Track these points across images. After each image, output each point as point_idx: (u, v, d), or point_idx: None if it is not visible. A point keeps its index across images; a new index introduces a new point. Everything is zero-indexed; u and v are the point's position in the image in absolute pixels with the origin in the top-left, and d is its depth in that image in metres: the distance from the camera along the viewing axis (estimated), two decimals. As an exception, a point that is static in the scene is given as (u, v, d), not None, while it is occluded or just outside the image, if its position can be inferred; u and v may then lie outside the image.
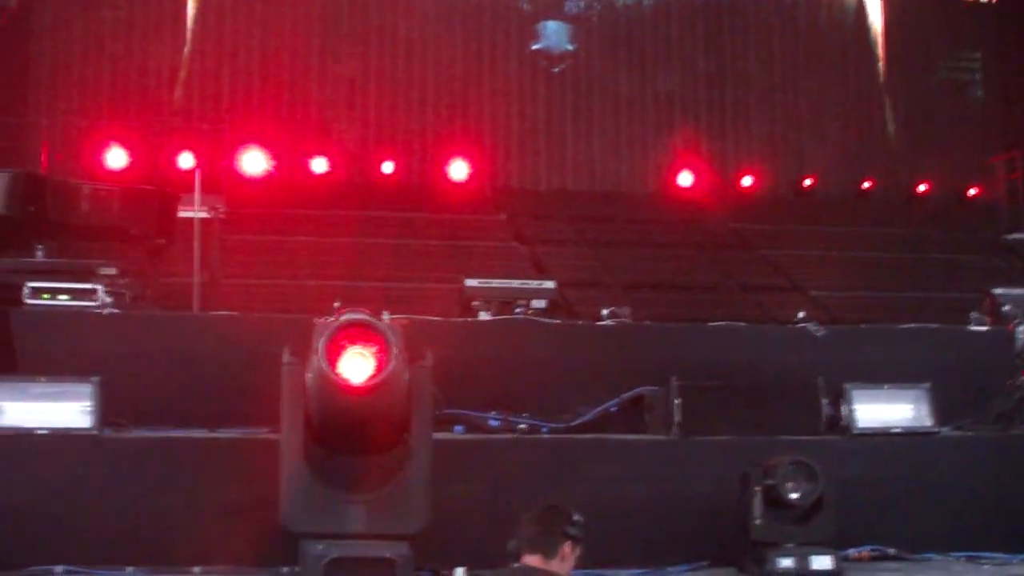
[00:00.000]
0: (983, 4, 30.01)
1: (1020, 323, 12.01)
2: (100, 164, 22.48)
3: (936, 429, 10.20)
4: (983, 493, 9.82)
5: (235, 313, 12.08)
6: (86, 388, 8.63)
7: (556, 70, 26.87)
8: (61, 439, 8.51)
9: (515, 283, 11.87)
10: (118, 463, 8.58)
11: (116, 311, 10.48)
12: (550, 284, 11.98)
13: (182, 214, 17.07)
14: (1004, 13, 29.48)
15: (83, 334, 10.03)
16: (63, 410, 8.59)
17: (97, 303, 10.54)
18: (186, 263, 17.03)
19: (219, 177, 21.61)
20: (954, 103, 28.71)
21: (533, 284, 12.03)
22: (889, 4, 28.50)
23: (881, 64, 28.47)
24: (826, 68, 28.36)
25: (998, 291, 12.80)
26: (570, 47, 27.04)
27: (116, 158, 22.57)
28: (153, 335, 10.25)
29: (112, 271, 12.83)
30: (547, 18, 27.15)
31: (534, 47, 26.88)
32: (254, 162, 23.17)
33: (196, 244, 17.25)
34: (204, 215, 18.59)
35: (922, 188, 27.62)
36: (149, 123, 23.67)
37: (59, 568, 8.11)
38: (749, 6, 28.42)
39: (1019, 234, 25.38)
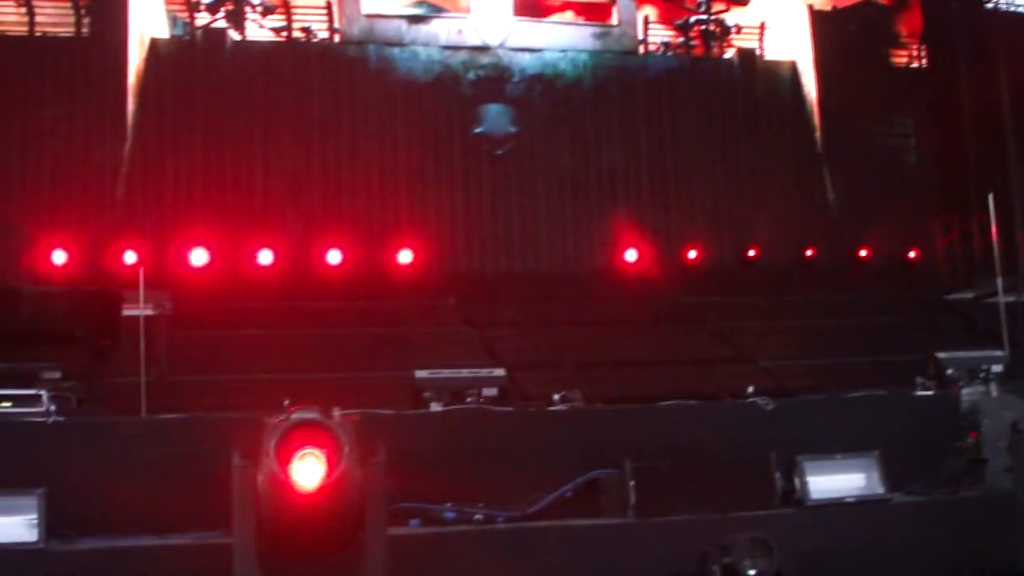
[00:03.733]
0: (914, 70, 30.48)
1: (964, 386, 12.16)
2: (42, 263, 22.38)
3: (888, 495, 10.28)
4: (938, 557, 9.86)
5: (183, 415, 11.97)
6: (31, 501, 8.52)
7: (499, 152, 26.99)
8: (6, 554, 8.37)
9: (465, 372, 11.86)
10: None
11: (60, 419, 10.38)
12: (500, 372, 11.99)
13: (127, 312, 17.00)
14: (935, 78, 29.97)
15: (27, 444, 9.92)
16: (8, 524, 8.47)
17: (41, 409, 10.44)
18: (133, 363, 16.86)
19: (164, 273, 21.56)
20: (890, 168, 29.02)
21: (483, 372, 12.03)
22: (823, 73, 28.90)
23: (818, 133, 28.83)
24: (764, 139, 28.62)
25: (941, 355, 12.96)
26: (512, 129, 27.17)
27: (58, 257, 22.50)
28: (100, 442, 10.14)
29: (56, 375, 12.73)
30: (488, 101, 27.29)
31: (476, 131, 27.00)
32: (198, 257, 23.18)
33: (142, 343, 17.11)
34: (149, 313, 18.48)
35: (863, 253, 27.83)
36: (91, 221, 23.60)
37: None
38: (687, 80, 28.71)
39: (959, 294, 25.72)
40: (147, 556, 8.68)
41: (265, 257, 24.41)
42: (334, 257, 24.75)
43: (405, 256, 24.97)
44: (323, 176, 26.09)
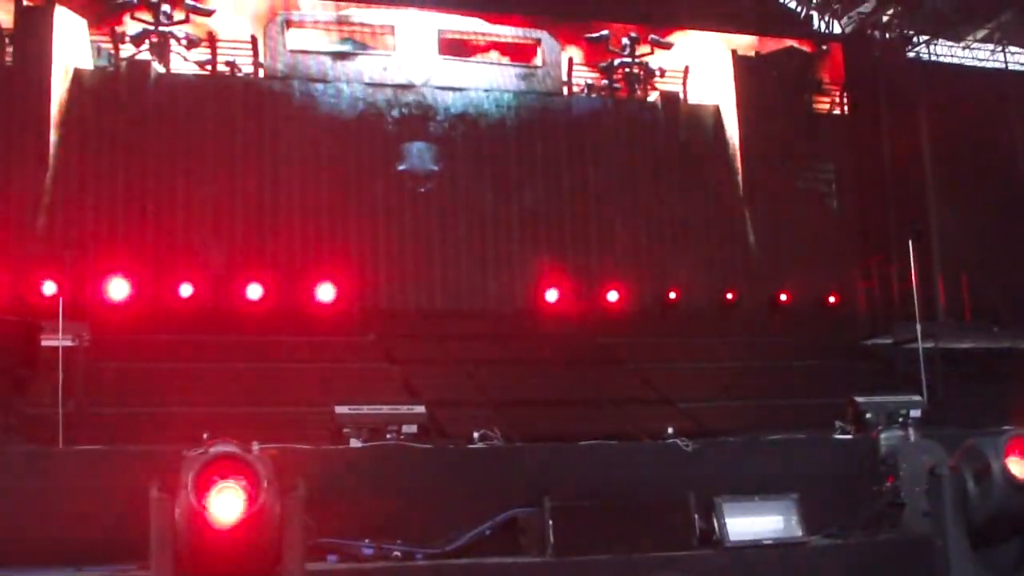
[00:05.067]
0: (836, 116, 30.90)
1: (883, 430, 12.26)
2: (-40, 293, 22.10)
3: (806, 538, 10.32)
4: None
5: (100, 447, 11.83)
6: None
7: (422, 190, 27.01)
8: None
9: (385, 409, 11.81)
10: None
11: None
12: (420, 409, 11.94)
13: (45, 343, 16.78)
14: (856, 125, 30.38)
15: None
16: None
17: (-43, 440, 10.32)
18: (51, 394, 16.63)
19: (84, 304, 21.33)
20: (811, 213, 29.34)
21: (403, 409, 11.98)
22: (745, 118, 29.21)
23: (740, 176, 29.11)
24: (687, 181, 28.85)
25: (860, 399, 13.06)
26: (435, 167, 27.22)
27: (-24, 287, 22.23)
28: (15, 473, 9.99)
29: (-28, 405, 12.57)
30: (412, 139, 27.33)
31: (400, 168, 27.01)
32: (118, 288, 22.97)
33: (60, 374, 16.90)
34: (68, 343, 18.25)
35: (783, 297, 28.05)
36: (11, 250, 23.32)
37: None
38: (610, 122, 28.92)
39: (878, 339, 25.98)
40: (61, 590, 8.58)
41: (185, 290, 24.21)
42: (254, 291, 24.56)
43: (326, 292, 24.85)
44: (245, 210, 26.00)
